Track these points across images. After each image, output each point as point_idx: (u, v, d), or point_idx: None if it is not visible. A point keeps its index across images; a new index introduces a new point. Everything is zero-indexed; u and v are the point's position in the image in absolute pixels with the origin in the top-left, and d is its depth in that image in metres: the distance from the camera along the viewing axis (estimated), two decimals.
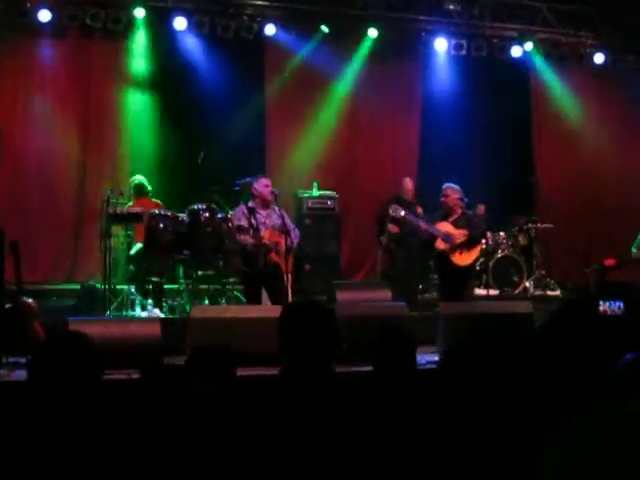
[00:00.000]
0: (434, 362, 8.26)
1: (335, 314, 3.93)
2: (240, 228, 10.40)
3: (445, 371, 3.70)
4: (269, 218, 10.59)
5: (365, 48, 15.00)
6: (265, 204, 10.69)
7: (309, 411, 3.51)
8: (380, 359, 4.68)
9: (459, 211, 11.19)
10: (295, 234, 10.80)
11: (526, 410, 3.49)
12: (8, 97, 13.52)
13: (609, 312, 8.30)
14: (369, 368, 4.74)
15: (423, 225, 11.10)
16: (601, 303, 8.33)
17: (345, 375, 4.86)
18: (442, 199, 11.25)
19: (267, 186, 10.74)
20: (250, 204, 10.65)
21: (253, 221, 10.41)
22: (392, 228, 12.35)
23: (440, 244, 11.00)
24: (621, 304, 8.17)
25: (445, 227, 11.05)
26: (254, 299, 10.51)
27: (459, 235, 10.96)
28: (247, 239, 10.38)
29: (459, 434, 3.35)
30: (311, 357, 3.71)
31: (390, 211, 11.41)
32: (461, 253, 10.98)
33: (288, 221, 10.86)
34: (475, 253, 11.20)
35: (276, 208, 10.86)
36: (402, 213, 11.28)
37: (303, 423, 3.44)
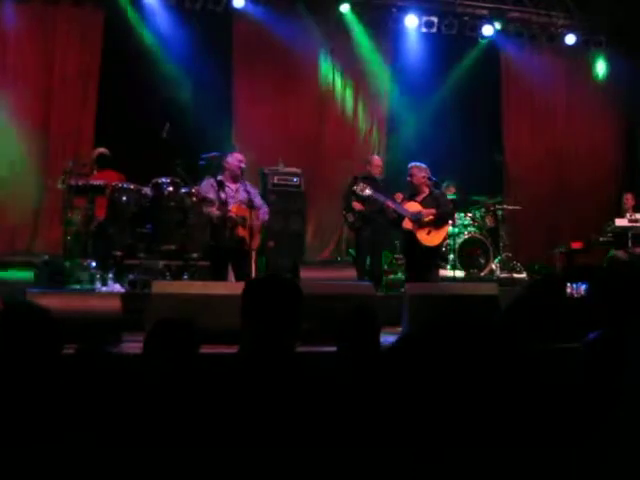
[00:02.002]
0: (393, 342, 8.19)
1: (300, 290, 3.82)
2: (206, 200, 10.31)
3: (399, 352, 3.61)
4: (238, 192, 10.51)
5: (336, 22, 14.88)
6: (235, 178, 10.61)
7: (269, 390, 3.41)
8: (344, 339, 4.59)
9: (427, 190, 11.10)
10: (264, 211, 10.76)
11: (487, 393, 3.40)
12: None
13: (575, 294, 8.31)
14: (332, 348, 4.65)
15: (390, 204, 11.00)
16: (568, 285, 8.34)
17: (308, 354, 4.77)
18: (408, 178, 11.18)
19: (240, 161, 10.68)
20: (219, 177, 10.56)
21: (222, 194, 10.33)
22: (356, 205, 12.24)
23: (407, 224, 10.90)
24: (585, 286, 8.17)
25: (413, 207, 10.96)
26: (219, 275, 10.42)
27: (427, 214, 10.88)
28: (213, 211, 10.30)
29: (420, 415, 3.25)
30: (273, 334, 3.60)
31: (357, 189, 11.30)
32: (429, 233, 10.89)
33: (257, 198, 10.80)
34: (443, 233, 11.13)
35: (247, 183, 10.80)
36: (369, 192, 11.17)
37: (262, 403, 3.33)
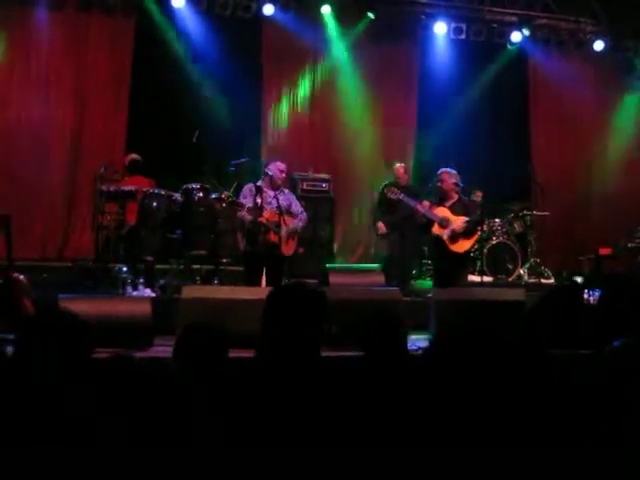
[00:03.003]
0: (424, 348, 8.27)
1: (325, 297, 3.88)
2: (235, 203, 10.44)
3: (429, 359, 3.67)
4: (276, 199, 10.54)
5: (364, 29, 14.94)
6: (274, 186, 10.67)
7: (292, 395, 3.47)
8: (369, 344, 4.65)
9: (455, 196, 11.07)
10: (301, 218, 10.81)
11: (510, 402, 3.45)
12: (3, 69, 13.44)
13: (592, 301, 8.32)
14: (360, 353, 4.70)
15: (420, 209, 11.00)
16: (585, 292, 8.35)
17: (335, 359, 4.83)
18: (438, 184, 11.15)
19: (282, 171, 10.73)
20: (259, 183, 10.65)
21: (258, 200, 10.40)
22: (381, 228, 12.34)
23: (437, 229, 10.90)
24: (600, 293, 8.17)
25: (442, 212, 10.94)
26: (253, 279, 10.48)
27: (459, 222, 10.85)
28: (245, 216, 10.40)
29: (447, 423, 3.31)
30: (294, 340, 3.67)
31: (388, 194, 11.33)
32: (458, 240, 10.88)
33: (295, 204, 10.90)
34: (472, 240, 11.10)
35: (286, 191, 10.94)
36: (400, 196, 11.21)
37: (286, 408, 3.40)
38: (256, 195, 10.43)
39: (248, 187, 10.70)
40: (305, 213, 11.05)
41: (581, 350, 3.89)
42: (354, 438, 3.30)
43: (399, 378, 4.10)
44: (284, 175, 10.80)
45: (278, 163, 10.87)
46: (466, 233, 10.91)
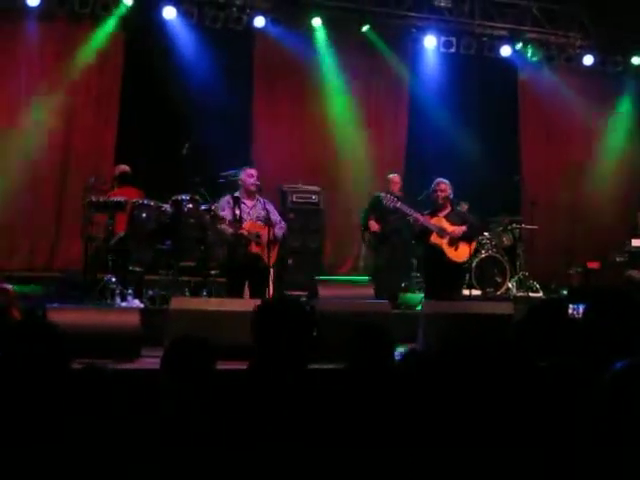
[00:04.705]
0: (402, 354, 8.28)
1: (314, 312, 3.89)
2: (216, 217, 10.39)
3: (410, 371, 3.69)
4: (254, 209, 10.51)
5: (354, 43, 14.98)
6: (250, 195, 10.62)
7: (281, 407, 3.47)
8: (357, 357, 4.64)
9: (449, 207, 11.10)
10: (280, 226, 10.75)
11: (496, 413, 3.47)
12: None
13: (577, 315, 8.34)
14: (347, 365, 4.70)
15: (419, 217, 10.98)
16: (570, 306, 8.35)
17: (323, 372, 4.82)
18: (437, 193, 11.04)
19: (251, 176, 10.64)
20: (236, 194, 10.61)
21: (237, 211, 10.37)
22: (373, 226, 12.30)
23: (436, 238, 10.87)
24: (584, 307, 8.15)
25: (439, 222, 10.95)
26: (236, 291, 10.45)
27: (458, 230, 10.85)
28: (226, 229, 10.36)
29: (434, 434, 3.32)
30: (283, 355, 3.67)
31: (384, 201, 11.26)
32: (457, 249, 10.88)
33: (274, 214, 10.82)
34: (471, 248, 11.10)
35: (264, 200, 10.82)
36: (397, 204, 11.16)
37: (276, 420, 3.40)
38: (234, 207, 10.40)
39: (225, 199, 10.63)
40: (284, 222, 11.02)
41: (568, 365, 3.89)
42: (339, 446, 3.31)
43: (386, 391, 4.10)
44: (254, 180, 10.64)
45: (247, 170, 10.80)
46: (464, 239, 10.90)
